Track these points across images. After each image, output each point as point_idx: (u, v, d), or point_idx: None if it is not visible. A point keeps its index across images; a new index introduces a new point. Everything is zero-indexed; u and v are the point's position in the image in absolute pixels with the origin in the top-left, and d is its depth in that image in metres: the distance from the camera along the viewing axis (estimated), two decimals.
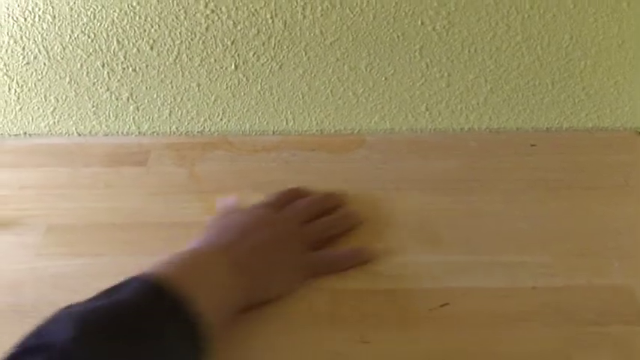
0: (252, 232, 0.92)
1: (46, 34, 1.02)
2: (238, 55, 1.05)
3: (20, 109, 1.11)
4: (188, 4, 0.99)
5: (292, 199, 1.02)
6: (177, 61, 1.06)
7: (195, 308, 0.75)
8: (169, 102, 1.11)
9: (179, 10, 1.00)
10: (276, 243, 0.93)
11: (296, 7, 0.99)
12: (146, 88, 1.09)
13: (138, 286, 0.75)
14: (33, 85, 1.08)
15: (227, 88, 1.09)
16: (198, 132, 1.16)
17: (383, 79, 1.08)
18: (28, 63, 1.05)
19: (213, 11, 1.00)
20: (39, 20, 1.00)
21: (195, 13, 1.00)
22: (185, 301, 0.74)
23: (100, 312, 0.71)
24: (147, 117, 1.13)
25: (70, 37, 1.02)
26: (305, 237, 0.96)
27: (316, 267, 0.94)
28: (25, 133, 1.15)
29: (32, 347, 0.66)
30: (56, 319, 0.69)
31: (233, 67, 1.06)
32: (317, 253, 0.96)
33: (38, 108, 1.11)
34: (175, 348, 0.73)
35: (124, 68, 1.06)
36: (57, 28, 1.01)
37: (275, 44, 1.04)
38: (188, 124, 1.14)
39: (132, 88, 1.09)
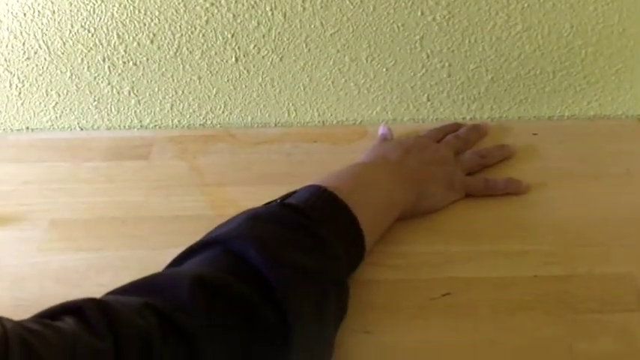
0: (416, 152, 1.01)
1: (46, 29, 1.02)
2: (239, 47, 1.05)
3: (22, 104, 1.11)
4: None
5: (446, 134, 1.10)
6: (177, 54, 1.06)
7: (359, 218, 0.84)
8: (171, 95, 1.11)
9: (178, 4, 1.00)
10: (437, 162, 1.01)
11: None
12: (147, 81, 1.09)
13: (312, 195, 0.84)
14: (34, 80, 1.08)
15: (228, 80, 1.09)
16: (200, 125, 1.16)
17: (384, 70, 1.08)
18: (28, 58, 1.05)
19: (212, 4, 1.00)
20: (39, 15, 1.00)
21: (195, 6, 1.00)
22: (352, 212, 0.84)
23: (271, 209, 0.82)
24: (148, 110, 1.13)
25: (70, 31, 1.02)
26: (459, 163, 1.04)
27: (470, 187, 1.02)
28: (27, 128, 1.15)
29: (210, 240, 0.77)
30: (235, 217, 0.81)
31: (234, 59, 1.07)
32: (475, 175, 1.06)
33: (40, 103, 1.11)
34: (336, 253, 0.81)
35: (124, 62, 1.06)
36: (57, 23, 1.01)
37: (275, 36, 1.04)
38: (190, 117, 1.14)
39: (133, 82, 1.09)
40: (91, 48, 1.05)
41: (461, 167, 1.03)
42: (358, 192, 0.88)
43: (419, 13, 1.01)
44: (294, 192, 0.86)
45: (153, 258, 0.93)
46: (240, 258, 0.73)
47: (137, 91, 1.10)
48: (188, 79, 1.09)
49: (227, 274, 0.70)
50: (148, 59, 1.06)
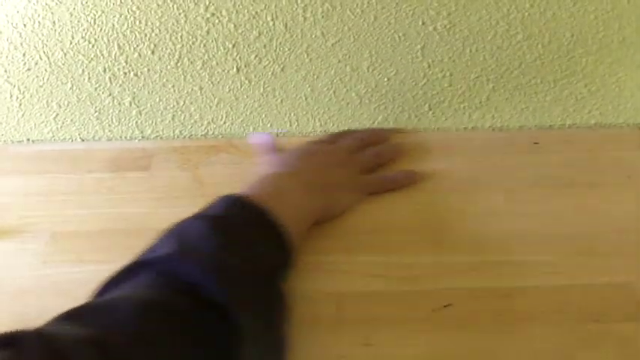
0: (313, 158, 1.04)
1: (47, 40, 1.02)
2: (240, 57, 1.05)
3: (23, 115, 1.11)
4: (188, 7, 0.99)
5: (340, 138, 1.12)
6: (178, 64, 1.06)
7: (278, 219, 0.85)
8: (172, 106, 1.11)
9: (179, 14, 1.00)
10: (333, 166, 1.03)
11: (297, 9, 0.99)
12: (148, 92, 1.09)
13: (227, 203, 0.86)
14: (35, 92, 1.08)
15: (230, 91, 1.09)
16: (201, 135, 1.16)
17: (385, 79, 1.08)
18: (29, 69, 1.05)
19: (213, 14, 1.00)
20: (39, 26, 1.00)
21: (196, 16, 1.00)
22: (269, 213, 0.86)
23: (195, 225, 0.81)
24: (150, 121, 1.13)
25: (71, 42, 1.02)
26: (356, 163, 1.06)
27: (371, 186, 1.05)
28: (28, 140, 1.15)
29: (143, 262, 0.77)
30: (162, 237, 0.81)
31: (235, 69, 1.07)
32: (371, 175, 1.08)
33: (41, 114, 1.11)
34: (263, 252, 0.82)
35: (125, 73, 1.06)
36: (57, 34, 1.01)
37: (276, 46, 1.04)
38: (191, 127, 1.14)
39: (134, 93, 1.09)
40: (91, 59, 1.05)
41: (359, 167, 1.06)
42: (273, 199, 0.89)
43: (420, 23, 1.01)
44: (213, 202, 0.88)
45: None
46: (180, 278, 0.73)
47: (138, 101, 1.10)
48: (189, 90, 1.09)
49: (171, 295, 0.71)
50: (149, 70, 1.06)
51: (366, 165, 1.07)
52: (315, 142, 1.10)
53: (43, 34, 1.02)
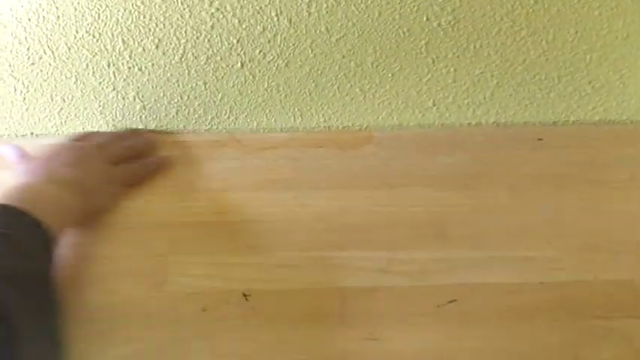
0: (60, 157, 1.03)
1: (51, 35, 1.02)
2: (244, 53, 1.05)
3: (27, 109, 1.11)
4: (193, 2, 0.99)
5: (91, 136, 1.12)
6: (183, 59, 1.06)
7: (40, 220, 0.86)
8: (176, 101, 1.11)
9: (184, 9, 0.99)
10: (83, 161, 1.02)
11: (301, 4, 0.99)
12: (152, 87, 1.09)
13: None
14: (39, 86, 1.08)
15: (234, 86, 1.09)
16: (205, 130, 1.16)
17: (389, 75, 1.08)
18: (33, 63, 1.05)
19: (218, 9, 1.00)
20: (43, 21, 1.00)
21: (200, 11, 1.00)
22: (31, 215, 0.86)
23: None
24: (154, 116, 1.13)
25: (75, 37, 1.02)
26: (105, 156, 1.06)
27: (123, 176, 1.06)
28: (32, 134, 1.15)
29: None
30: None
31: (239, 65, 1.06)
32: (119, 166, 1.07)
33: (45, 108, 1.11)
34: (30, 253, 0.83)
35: (129, 67, 1.06)
36: (62, 28, 1.01)
37: (281, 42, 1.04)
38: (195, 122, 1.14)
39: (138, 87, 1.09)
40: (96, 53, 1.04)
41: (108, 160, 1.06)
42: (32, 203, 0.89)
43: (424, 19, 1.01)
44: None
45: (156, 264, 0.93)
46: None
47: (142, 96, 1.10)
48: (194, 85, 1.09)
49: None
50: (153, 64, 1.06)
51: (115, 157, 1.07)
52: (65, 141, 1.09)
53: (47, 29, 1.01)
